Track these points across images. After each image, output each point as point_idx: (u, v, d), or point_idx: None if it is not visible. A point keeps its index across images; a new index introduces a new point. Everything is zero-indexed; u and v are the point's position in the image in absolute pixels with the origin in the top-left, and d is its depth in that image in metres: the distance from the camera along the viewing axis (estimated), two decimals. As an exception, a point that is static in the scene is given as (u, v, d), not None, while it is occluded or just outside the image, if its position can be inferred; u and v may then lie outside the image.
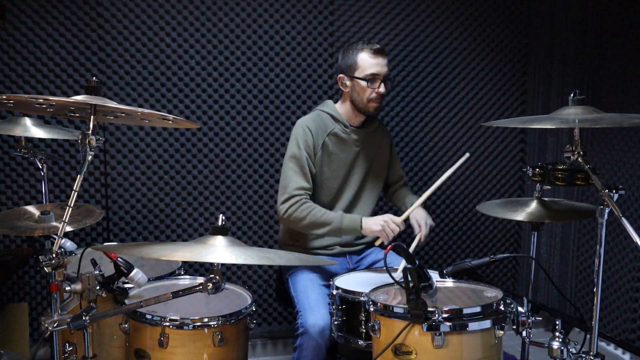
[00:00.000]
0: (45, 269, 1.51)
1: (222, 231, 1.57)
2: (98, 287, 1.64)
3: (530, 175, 2.12)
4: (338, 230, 2.30)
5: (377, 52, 2.35)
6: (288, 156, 2.37)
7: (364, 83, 2.34)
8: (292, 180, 2.33)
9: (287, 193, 2.31)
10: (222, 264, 1.54)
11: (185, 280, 2.16)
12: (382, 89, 2.35)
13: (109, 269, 1.77)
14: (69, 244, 1.99)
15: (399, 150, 3.15)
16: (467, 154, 2.29)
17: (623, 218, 1.60)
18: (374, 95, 2.35)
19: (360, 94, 2.36)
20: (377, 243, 2.34)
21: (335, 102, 2.50)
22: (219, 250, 1.50)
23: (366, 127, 2.49)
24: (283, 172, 2.38)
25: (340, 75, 2.41)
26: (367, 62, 2.34)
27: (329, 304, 2.12)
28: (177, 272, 2.24)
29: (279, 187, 2.40)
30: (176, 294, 1.53)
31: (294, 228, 2.37)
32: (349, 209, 2.45)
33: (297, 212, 2.29)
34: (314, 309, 2.13)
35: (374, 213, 2.53)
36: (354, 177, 2.46)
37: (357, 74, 2.35)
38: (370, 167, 2.50)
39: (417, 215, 2.38)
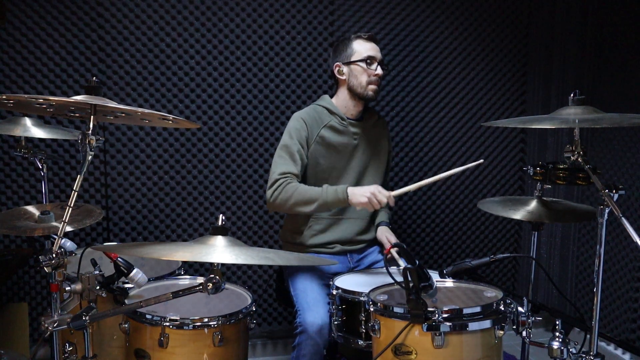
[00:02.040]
0: (45, 269, 1.51)
1: (222, 231, 1.57)
2: (98, 287, 1.64)
3: (532, 174, 2.12)
4: (325, 205, 2.27)
5: (370, 38, 2.44)
6: (279, 146, 2.38)
7: (362, 64, 2.38)
8: (279, 167, 2.33)
9: (272, 178, 2.32)
10: (222, 264, 1.54)
11: (185, 280, 2.16)
12: (379, 71, 2.40)
13: (109, 269, 1.77)
14: (69, 244, 1.98)
15: (398, 150, 3.15)
16: (482, 161, 2.30)
17: (623, 218, 1.60)
18: (372, 77, 2.38)
19: (358, 78, 2.39)
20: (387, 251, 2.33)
21: (332, 97, 2.51)
22: (219, 250, 1.50)
23: (365, 121, 2.49)
24: (273, 161, 2.38)
25: (337, 63, 2.44)
26: (363, 46, 2.41)
27: (329, 303, 2.12)
28: (177, 272, 2.24)
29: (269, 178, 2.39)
30: (176, 294, 1.53)
31: (282, 211, 2.35)
32: None
33: (282, 194, 2.28)
34: (313, 308, 2.13)
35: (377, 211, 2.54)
36: (352, 170, 2.46)
37: (354, 59, 2.40)
38: (369, 161, 2.50)
39: (387, 232, 2.45)
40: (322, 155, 2.40)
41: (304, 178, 2.39)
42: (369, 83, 2.39)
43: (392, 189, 2.18)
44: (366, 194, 2.19)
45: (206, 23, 2.86)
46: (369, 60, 2.39)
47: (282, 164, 2.34)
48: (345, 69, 2.42)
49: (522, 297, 1.93)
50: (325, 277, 2.34)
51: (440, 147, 3.21)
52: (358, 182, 2.47)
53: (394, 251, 2.24)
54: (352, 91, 2.42)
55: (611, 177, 2.92)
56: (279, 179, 2.30)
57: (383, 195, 2.18)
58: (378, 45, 2.45)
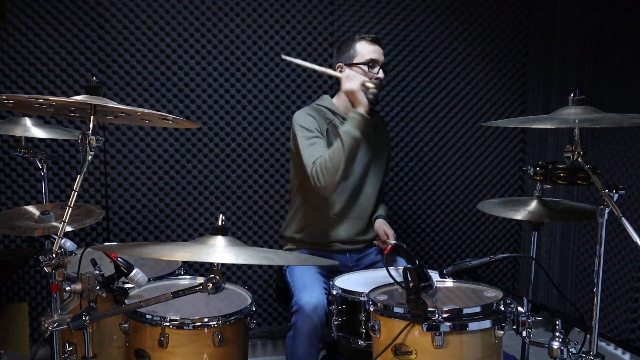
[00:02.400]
0: (45, 269, 1.51)
1: (222, 231, 1.57)
2: (98, 287, 1.64)
3: (532, 174, 2.12)
4: (350, 134, 2.21)
5: (374, 40, 2.42)
6: (299, 138, 2.32)
7: (364, 67, 2.37)
8: (309, 156, 2.27)
9: (309, 172, 2.26)
10: (222, 264, 1.54)
11: (185, 280, 2.16)
12: (381, 74, 2.39)
13: (109, 269, 1.77)
14: (69, 244, 1.98)
15: (398, 150, 3.15)
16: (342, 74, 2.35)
17: (623, 218, 1.60)
18: (373, 81, 2.37)
19: None
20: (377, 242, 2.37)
21: (332, 97, 2.51)
22: (219, 250, 1.50)
23: None
24: (302, 153, 2.32)
25: (339, 64, 2.43)
26: (366, 48, 2.40)
27: (329, 301, 2.12)
28: (177, 272, 2.24)
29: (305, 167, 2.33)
30: (176, 294, 1.53)
31: (336, 182, 2.25)
32: (351, 201, 2.45)
33: (322, 175, 2.22)
34: (308, 288, 2.15)
35: (375, 210, 2.54)
36: (354, 171, 2.46)
37: (356, 61, 2.39)
38: (370, 161, 2.50)
39: (384, 225, 2.46)
40: None
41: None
42: (369, 87, 2.38)
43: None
44: (351, 83, 2.26)
45: (206, 23, 2.86)
46: (370, 63, 2.38)
47: (310, 151, 2.28)
48: (347, 70, 2.41)
49: (522, 297, 1.93)
50: (322, 268, 2.35)
51: (440, 147, 3.21)
52: (360, 183, 2.47)
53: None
54: None
55: (611, 177, 2.92)
56: (312, 168, 2.24)
57: (353, 74, 2.29)
58: (382, 47, 2.44)
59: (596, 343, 1.77)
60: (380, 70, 2.40)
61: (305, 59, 2.97)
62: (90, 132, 1.50)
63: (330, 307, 2.09)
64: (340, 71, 2.42)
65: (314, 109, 2.44)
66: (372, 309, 1.79)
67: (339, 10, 3.00)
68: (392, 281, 1.74)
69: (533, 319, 1.83)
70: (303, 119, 2.37)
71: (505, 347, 1.82)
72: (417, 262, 1.68)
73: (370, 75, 2.38)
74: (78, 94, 1.67)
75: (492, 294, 1.87)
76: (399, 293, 1.89)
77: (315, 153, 2.28)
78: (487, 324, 1.70)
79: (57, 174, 2.82)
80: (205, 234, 1.61)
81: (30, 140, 2.61)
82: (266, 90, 2.96)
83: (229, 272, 3.03)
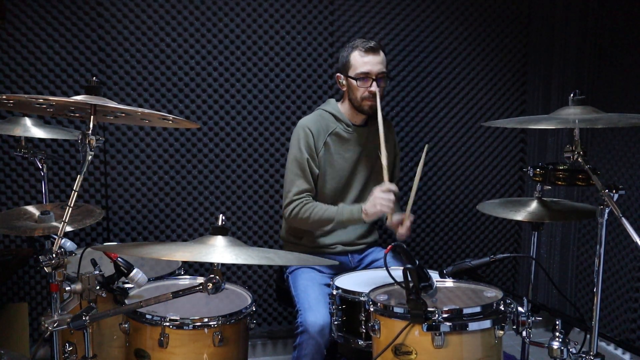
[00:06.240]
0: (45, 269, 1.51)
1: (222, 231, 1.57)
2: (98, 287, 1.64)
3: (531, 175, 2.12)
4: (342, 224, 2.34)
5: (368, 50, 2.33)
6: (290, 159, 2.39)
7: (354, 82, 2.35)
8: (294, 184, 2.36)
9: (289, 197, 2.36)
10: (222, 264, 1.54)
11: (185, 280, 2.16)
12: (374, 88, 2.32)
13: (109, 269, 1.77)
14: (69, 244, 1.98)
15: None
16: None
17: (623, 218, 1.60)
18: (366, 94, 2.34)
19: (354, 93, 2.37)
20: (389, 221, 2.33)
21: (338, 100, 2.50)
22: (219, 250, 1.50)
23: (370, 126, 2.49)
24: (286, 175, 2.41)
25: (338, 74, 2.43)
26: (358, 61, 2.34)
27: (329, 303, 2.12)
28: (177, 272, 2.24)
29: (283, 190, 2.42)
30: (176, 294, 1.53)
31: (302, 228, 2.41)
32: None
33: (300, 214, 2.32)
34: (314, 308, 2.14)
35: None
36: (358, 176, 2.47)
37: (349, 73, 2.37)
38: (374, 166, 2.50)
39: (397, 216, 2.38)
40: (329, 162, 2.41)
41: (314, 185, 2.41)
42: (363, 99, 2.35)
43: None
44: (374, 203, 2.23)
45: (206, 23, 2.86)
46: (362, 77, 2.32)
47: (295, 180, 2.35)
48: (344, 81, 2.41)
49: (522, 297, 1.93)
50: (325, 277, 2.35)
51: (441, 147, 3.21)
52: (365, 187, 2.47)
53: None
54: (351, 102, 2.42)
55: (611, 177, 2.92)
56: (294, 200, 2.34)
57: (389, 194, 2.22)
58: (379, 54, 2.35)
59: (596, 343, 1.77)
60: (374, 84, 2.32)
61: (305, 59, 2.98)
62: (90, 132, 1.50)
63: (331, 307, 2.09)
64: (340, 82, 2.42)
65: (318, 118, 2.42)
66: (372, 309, 1.79)
67: (339, 11, 3.00)
68: (392, 281, 1.74)
69: (533, 319, 1.84)
70: (300, 134, 2.37)
71: (505, 347, 1.82)
72: (417, 262, 1.68)
73: (362, 89, 2.33)
74: (78, 94, 1.67)
75: (492, 294, 1.87)
76: (399, 293, 1.89)
77: (299, 185, 2.35)
78: (487, 324, 1.70)
79: (57, 174, 2.82)
80: (205, 234, 1.61)
81: (30, 140, 2.61)
82: (266, 90, 2.96)
83: (229, 272, 3.03)
